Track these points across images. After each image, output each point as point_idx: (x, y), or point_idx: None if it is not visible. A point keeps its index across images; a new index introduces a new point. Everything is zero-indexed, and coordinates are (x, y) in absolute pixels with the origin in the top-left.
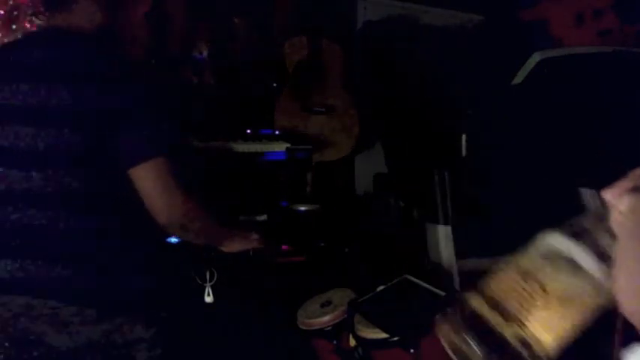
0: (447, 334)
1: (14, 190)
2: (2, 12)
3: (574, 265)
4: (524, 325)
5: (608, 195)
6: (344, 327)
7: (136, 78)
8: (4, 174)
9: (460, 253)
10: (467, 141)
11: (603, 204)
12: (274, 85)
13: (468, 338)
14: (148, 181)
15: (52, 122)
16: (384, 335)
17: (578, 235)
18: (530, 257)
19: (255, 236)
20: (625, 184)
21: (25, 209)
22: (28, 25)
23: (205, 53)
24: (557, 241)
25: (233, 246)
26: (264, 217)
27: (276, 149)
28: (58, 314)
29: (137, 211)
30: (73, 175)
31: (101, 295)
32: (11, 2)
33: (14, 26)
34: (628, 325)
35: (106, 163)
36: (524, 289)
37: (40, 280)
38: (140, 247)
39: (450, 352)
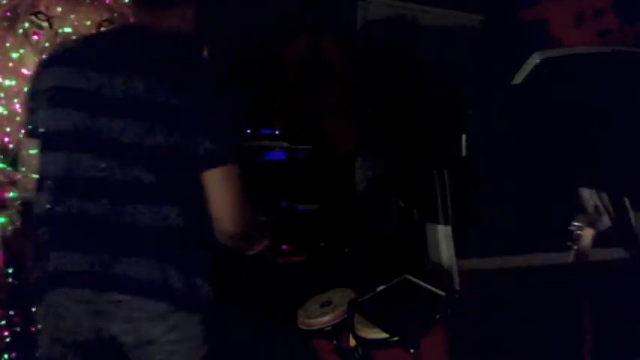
0: None
1: (87, 180)
2: (2, 12)
3: None
4: None
5: None
6: (344, 327)
7: (227, 82)
8: (79, 163)
9: (460, 253)
10: (467, 141)
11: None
12: (274, 85)
13: None
14: (221, 186)
15: (143, 117)
16: (384, 335)
17: None
18: None
19: (267, 236)
20: None
21: (97, 200)
22: (28, 25)
23: (205, 53)
24: None
25: (257, 248)
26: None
27: (276, 149)
28: (124, 308)
29: (204, 213)
30: (152, 170)
31: (169, 292)
32: (12, 2)
33: (15, 26)
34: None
35: (187, 163)
36: None
37: (108, 274)
38: (206, 247)
39: None
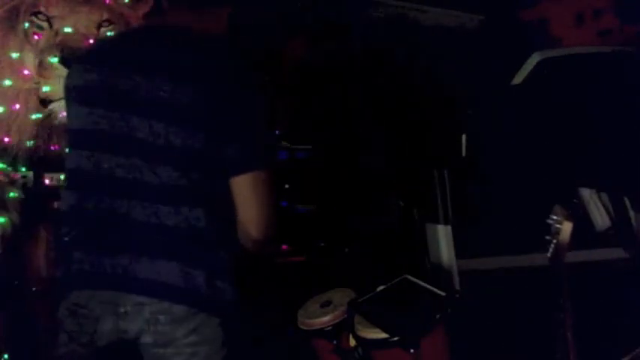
0: None
1: (111, 179)
2: (2, 12)
3: None
4: None
5: None
6: (344, 327)
7: (261, 88)
8: (103, 162)
9: (460, 253)
10: (467, 141)
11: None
12: (274, 84)
13: None
14: (246, 192)
15: (168, 119)
16: (384, 335)
17: None
18: None
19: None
20: None
21: (121, 200)
22: (28, 26)
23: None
24: None
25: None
26: None
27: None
28: (146, 310)
29: (230, 215)
30: (177, 172)
31: (191, 294)
32: (12, 2)
33: (15, 27)
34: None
35: (213, 166)
36: None
37: (131, 275)
38: (230, 250)
39: None
